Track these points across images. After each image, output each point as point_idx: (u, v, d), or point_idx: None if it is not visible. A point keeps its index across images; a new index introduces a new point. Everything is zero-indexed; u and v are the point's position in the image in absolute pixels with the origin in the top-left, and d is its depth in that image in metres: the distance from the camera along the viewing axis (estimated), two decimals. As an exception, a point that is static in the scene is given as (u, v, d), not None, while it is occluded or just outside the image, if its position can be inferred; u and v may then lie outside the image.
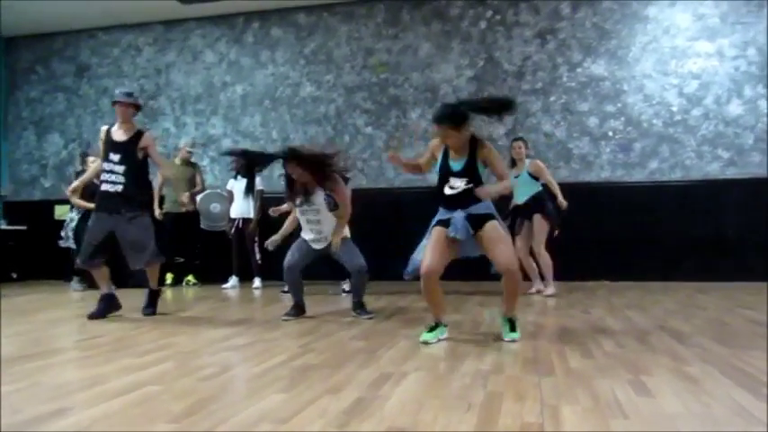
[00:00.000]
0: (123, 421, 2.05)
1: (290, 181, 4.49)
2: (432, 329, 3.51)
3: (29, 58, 9.41)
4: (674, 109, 7.29)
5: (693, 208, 7.09)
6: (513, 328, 3.52)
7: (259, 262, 7.31)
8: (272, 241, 4.82)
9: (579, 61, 7.55)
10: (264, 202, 7.50)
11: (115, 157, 4.62)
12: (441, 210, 3.63)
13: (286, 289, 5.34)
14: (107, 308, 4.71)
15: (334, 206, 4.45)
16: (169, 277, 7.56)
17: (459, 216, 3.46)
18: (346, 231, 4.70)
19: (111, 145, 4.67)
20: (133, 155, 4.67)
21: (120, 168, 4.61)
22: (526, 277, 6.18)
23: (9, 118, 9.42)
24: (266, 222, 7.66)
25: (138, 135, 4.73)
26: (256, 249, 7.30)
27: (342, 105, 8.23)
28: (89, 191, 6.19)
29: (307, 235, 4.60)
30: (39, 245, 8.63)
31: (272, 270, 7.64)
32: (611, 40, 7.48)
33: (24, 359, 3.12)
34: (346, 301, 5.74)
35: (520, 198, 5.98)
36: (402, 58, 8.05)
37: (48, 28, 9.14)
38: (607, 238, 7.12)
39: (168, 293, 6.59)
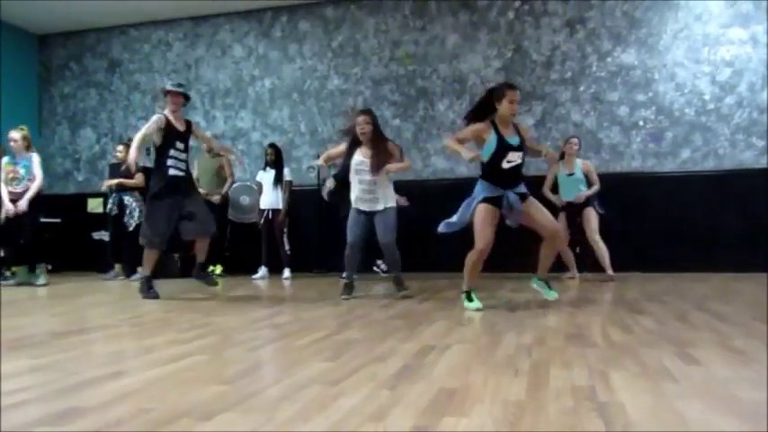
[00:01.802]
0: (177, 383, 2.10)
1: (354, 138, 4.80)
2: (470, 299, 4.04)
3: (62, 54, 9.61)
4: (707, 97, 7.20)
5: (727, 198, 6.99)
6: (550, 287, 4.14)
7: (288, 253, 7.37)
8: (327, 188, 5.05)
9: (609, 50, 7.49)
10: (293, 193, 7.61)
11: (181, 145, 5.10)
12: (487, 186, 3.95)
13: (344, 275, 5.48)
14: (151, 288, 5.02)
15: (378, 166, 4.69)
16: (218, 268, 7.65)
17: (510, 194, 3.91)
18: (394, 202, 4.88)
19: (175, 134, 5.10)
20: (188, 143, 5.23)
21: (185, 156, 5.14)
22: (563, 267, 6.30)
23: (44, 113, 9.63)
24: (296, 213, 7.77)
25: (189, 124, 5.29)
26: (285, 240, 7.35)
27: (369, 98, 8.26)
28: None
29: (359, 199, 4.78)
30: (72, 237, 8.80)
31: (300, 260, 7.75)
32: (641, 29, 7.41)
33: (72, 333, 3.20)
34: (381, 286, 5.76)
35: (570, 195, 6.36)
36: (429, 50, 8.06)
37: (80, 25, 9.32)
38: (638, 229, 7.05)
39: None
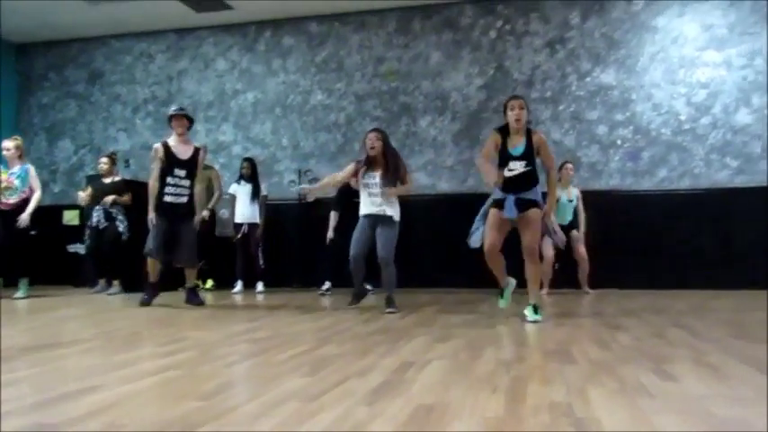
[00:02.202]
0: (153, 398, 2.07)
1: (366, 156, 5.01)
2: (502, 295, 4.36)
3: (42, 64, 9.52)
4: (683, 118, 7.35)
5: (702, 216, 7.12)
6: (535, 311, 4.08)
7: (262, 267, 7.34)
8: (308, 189, 5.48)
9: (588, 70, 7.62)
10: (270, 207, 7.58)
11: (181, 172, 5.29)
12: (497, 191, 4.21)
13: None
14: (154, 294, 5.43)
15: (387, 182, 4.90)
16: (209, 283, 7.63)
17: (510, 198, 4.11)
18: (398, 214, 5.00)
19: (175, 161, 5.28)
20: (193, 169, 5.40)
21: (186, 182, 5.32)
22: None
23: (21, 123, 9.51)
24: (276, 227, 7.74)
25: (196, 152, 5.45)
26: (260, 254, 7.35)
27: (352, 113, 8.30)
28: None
29: (365, 208, 4.99)
30: (47, 250, 8.65)
31: (280, 275, 7.71)
32: (619, 50, 7.56)
33: (43, 348, 3.13)
34: (363, 301, 5.72)
35: (567, 218, 6.63)
36: (413, 67, 8.13)
37: (61, 35, 9.25)
38: (615, 247, 7.13)
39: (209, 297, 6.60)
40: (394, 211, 4.96)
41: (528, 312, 4.13)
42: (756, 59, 7.18)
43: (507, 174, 4.12)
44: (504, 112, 4.19)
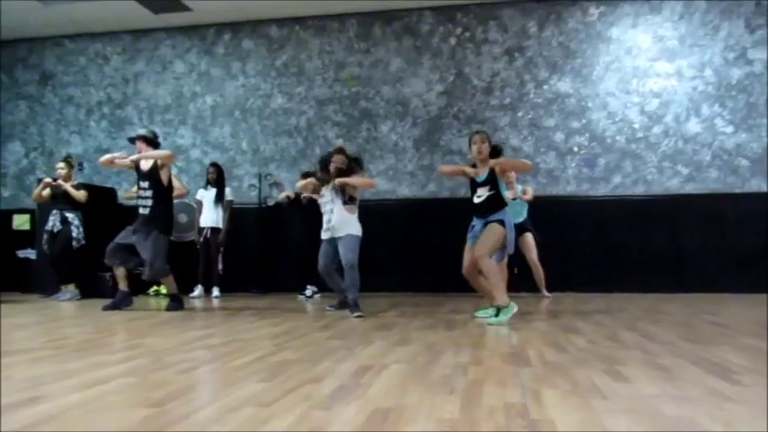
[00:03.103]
0: (101, 407, 2.00)
1: (325, 168, 5.18)
2: (497, 314, 4.28)
3: (-10, 64, 9.20)
4: (636, 126, 7.55)
5: (655, 222, 7.31)
6: (496, 314, 4.26)
7: (221, 272, 7.28)
8: (284, 196, 5.82)
9: (546, 78, 7.76)
10: (233, 212, 7.49)
11: (144, 183, 5.47)
12: (473, 218, 4.59)
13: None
14: (122, 300, 5.52)
15: (347, 198, 5.04)
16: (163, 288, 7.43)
17: (480, 223, 4.49)
18: (357, 231, 5.04)
19: (140, 174, 5.50)
20: (157, 180, 5.49)
21: (148, 193, 5.46)
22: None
23: (-32, 125, 9.16)
24: (236, 232, 7.63)
25: (154, 162, 5.51)
26: (220, 259, 7.29)
27: (313, 117, 8.26)
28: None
29: (324, 230, 5.09)
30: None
31: (239, 280, 7.61)
32: (576, 59, 7.73)
33: (-11, 357, 3.01)
34: (319, 306, 5.75)
35: (513, 219, 6.36)
36: (373, 72, 8.15)
37: (11, 35, 8.95)
38: (572, 251, 7.28)
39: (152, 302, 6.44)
40: (348, 230, 4.99)
41: (484, 314, 4.49)
42: (706, 70, 7.43)
43: (476, 200, 4.51)
44: (469, 145, 4.59)
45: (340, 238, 4.97)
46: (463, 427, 1.70)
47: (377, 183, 7.95)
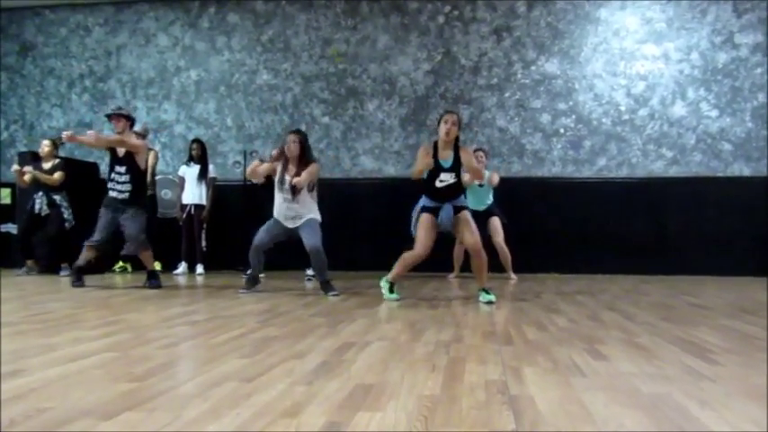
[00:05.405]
0: (81, 381, 1.99)
1: (281, 152, 4.94)
2: (392, 290, 4.47)
3: (-32, 34, 8.98)
4: (622, 108, 7.57)
5: (638, 204, 7.38)
6: (487, 293, 4.33)
7: (204, 249, 7.25)
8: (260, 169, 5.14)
9: (533, 59, 7.74)
10: (216, 189, 7.43)
11: (120, 168, 5.38)
12: (426, 199, 4.47)
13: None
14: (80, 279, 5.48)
15: (311, 187, 4.90)
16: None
17: (448, 207, 4.38)
18: (318, 216, 4.96)
19: (115, 159, 5.38)
20: (135, 165, 5.40)
21: (124, 177, 5.36)
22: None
23: (-55, 96, 8.97)
24: (220, 209, 7.58)
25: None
26: (203, 236, 7.25)
27: (299, 94, 8.18)
28: None
29: (281, 214, 4.91)
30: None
31: (223, 257, 7.58)
32: (564, 40, 7.70)
33: (-32, 331, 2.98)
34: (306, 284, 5.75)
35: (480, 205, 6.46)
36: (360, 50, 8.07)
37: (-10, 4, 8.75)
38: (556, 232, 7.33)
39: (118, 279, 6.41)
40: (309, 215, 4.87)
41: (480, 294, 4.38)
42: (692, 54, 7.45)
43: (439, 185, 4.41)
44: (438, 123, 4.45)
45: (305, 221, 4.86)
46: (444, 404, 1.71)
47: (362, 162, 7.92)
